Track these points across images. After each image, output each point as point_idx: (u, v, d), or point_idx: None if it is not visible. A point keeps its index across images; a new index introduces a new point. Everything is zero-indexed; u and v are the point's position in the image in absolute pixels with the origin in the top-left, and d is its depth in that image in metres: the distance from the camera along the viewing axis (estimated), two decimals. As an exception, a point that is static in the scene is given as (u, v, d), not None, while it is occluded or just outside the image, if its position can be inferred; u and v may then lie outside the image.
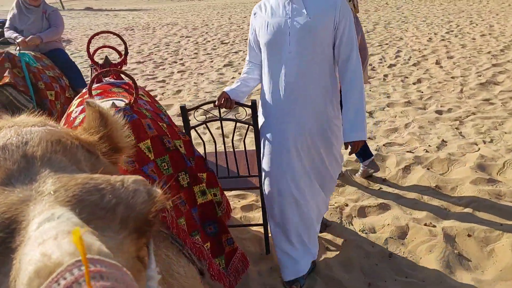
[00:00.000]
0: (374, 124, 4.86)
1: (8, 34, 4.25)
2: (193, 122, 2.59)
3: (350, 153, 2.32)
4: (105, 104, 1.87)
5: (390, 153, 4.05)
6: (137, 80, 7.73)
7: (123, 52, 2.63)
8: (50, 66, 4.17)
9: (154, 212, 0.54)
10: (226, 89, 2.32)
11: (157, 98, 6.17)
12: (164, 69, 8.47)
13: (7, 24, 4.33)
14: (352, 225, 3.07)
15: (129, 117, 1.81)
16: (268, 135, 2.30)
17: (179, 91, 6.85)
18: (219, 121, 2.40)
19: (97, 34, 2.45)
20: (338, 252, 2.79)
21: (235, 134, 2.74)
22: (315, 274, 2.60)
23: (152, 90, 6.93)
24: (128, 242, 0.52)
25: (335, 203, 3.33)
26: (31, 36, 4.11)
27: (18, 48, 4.06)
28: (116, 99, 1.95)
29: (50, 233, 0.40)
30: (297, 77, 2.15)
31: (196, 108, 2.43)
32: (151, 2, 33.71)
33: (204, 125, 2.45)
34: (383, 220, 3.06)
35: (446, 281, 2.46)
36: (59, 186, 0.51)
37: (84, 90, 2.30)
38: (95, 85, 2.29)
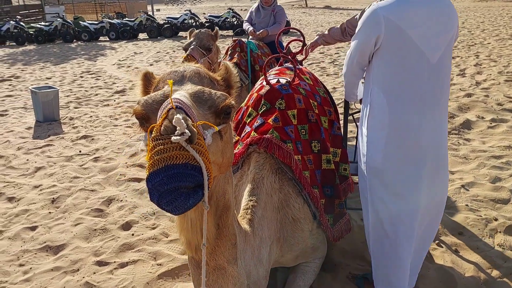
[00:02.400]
0: None
1: (245, 25, 5.59)
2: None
3: None
4: (273, 80, 2.67)
5: None
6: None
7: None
8: (267, 53, 5.29)
9: (222, 106, 1.25)
10: None
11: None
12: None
13: (246, 18, 5.69)
14: (492, 238, 3.02)
15: (285, 91, 2.53)
16: None
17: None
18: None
19: (283, 29, 3.26)
20: (461, 256, 2.86)
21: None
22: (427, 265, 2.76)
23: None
24: (209, 116, 1.24)
25: (484, 215, 3.28)
26: (261, 30, 5.31)
27: (250, 37, 5.34)
28: (282, 78, 2.70)
29: (175, 94, 1.15)
30: None
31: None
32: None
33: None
34: (530, 243, 2.90)
35: None
36: (189, 87, 1.28)
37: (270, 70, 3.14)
38: (277, 67, 3.11)
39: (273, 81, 2.63)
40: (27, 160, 4.83)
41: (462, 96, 6.56)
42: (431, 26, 2.04)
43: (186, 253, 1.64)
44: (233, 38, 5.05)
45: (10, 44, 18.51)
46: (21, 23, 19.08)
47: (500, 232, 3.08)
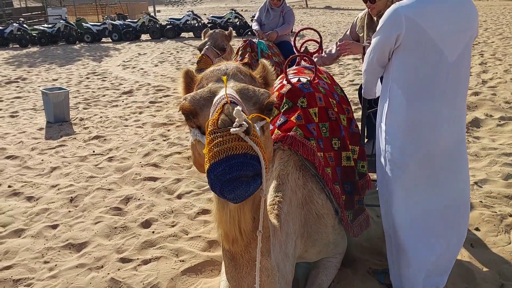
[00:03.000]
0: None
1: (254, 25, 5.64)
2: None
3: None
4: (293, 79, 2.72)
5: None
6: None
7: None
8: (277, 53, 5.34)
9: (266, 103, 1.31)
10: None
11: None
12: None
13: (256, 18, 5.74)
14: (508, 233, 3.07)
15: (307, 90, 2.58)
16: None
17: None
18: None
19: (301, 30, 3.32)
20: (477, 250, 2.91)
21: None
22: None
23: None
24: (254, 112, 1.30)
25: (499, 211, 3.33)
26: (270, 32, 5.36)
27: (259, 37, 5.39)
28: (302, 77, 2.75)
29: (223, 91, 1.21)
30: None
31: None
32: (388, 2, 33.76)
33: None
34: (545, 238, 2.94)
35: None
36: (234, 84, 1.34)
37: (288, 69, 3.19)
38: (295, 67, 3.17)
39: (294, 80, 2.69)
40: (42, 160, 4.88)
41: (469, 94, 6.61)
42: (451, 25, 2.07)
43: (221, 246, 1.68)
44: (243, 38, 5.10)
45: (14, 46, 18.58)
46: (24, 25, 19.14)
47: (515, 227, 3.12)
